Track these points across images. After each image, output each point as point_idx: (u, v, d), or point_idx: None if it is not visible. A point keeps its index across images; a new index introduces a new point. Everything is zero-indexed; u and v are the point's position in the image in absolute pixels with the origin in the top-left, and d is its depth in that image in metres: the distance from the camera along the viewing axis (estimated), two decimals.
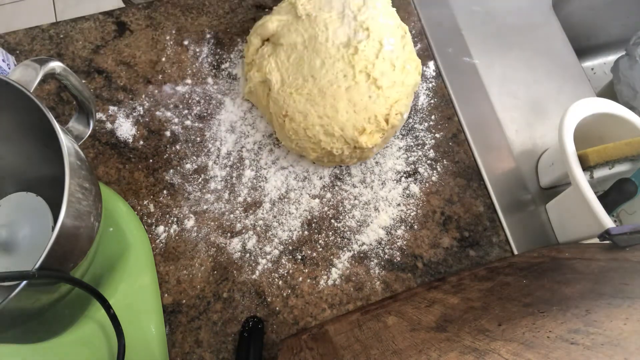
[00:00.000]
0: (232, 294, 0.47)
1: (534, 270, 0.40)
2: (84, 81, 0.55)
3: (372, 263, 0.49)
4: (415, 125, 0.56)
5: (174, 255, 0.48)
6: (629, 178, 0.46)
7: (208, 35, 0.59)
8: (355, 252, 0.49)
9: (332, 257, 0.49)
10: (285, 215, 0.51)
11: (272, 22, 0.51)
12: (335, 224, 0.51)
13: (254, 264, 0.48)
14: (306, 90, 0.47)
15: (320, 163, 0.52)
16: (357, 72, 0.47)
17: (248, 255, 0.49)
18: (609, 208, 0.45)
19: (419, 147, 0.54)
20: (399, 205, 0.52)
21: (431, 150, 0.54)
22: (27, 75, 0.33)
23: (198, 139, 0.53)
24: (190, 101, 0.55)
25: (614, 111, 0.48)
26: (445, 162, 0.54)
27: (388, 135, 0.50)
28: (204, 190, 0.51)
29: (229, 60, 0.57)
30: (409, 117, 0.56)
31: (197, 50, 0.58)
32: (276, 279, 0.48)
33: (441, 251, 0.50)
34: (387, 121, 0.48)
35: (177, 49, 0.58)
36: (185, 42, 0.58)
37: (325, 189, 0.52)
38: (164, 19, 0.59)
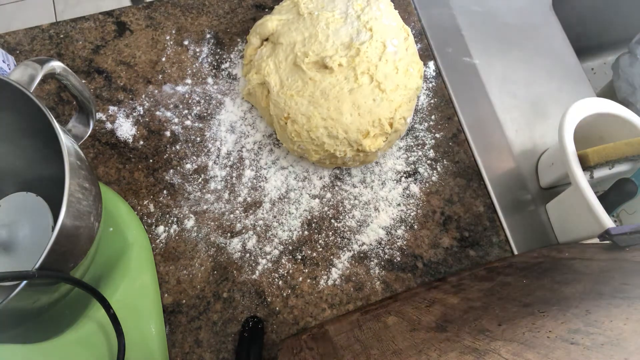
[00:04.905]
0: (232, 294, 0.47)
1: (534, 270, 0.40)
2: (84, 81, 0.55)
3: (372, 263, 0.49)
4: (415, 125, 0.56)
5: (174, 255, 0.48)
6: (629, 178, 0.46)
7: (208, 35, 0.59)
8: (355, 252, 0.49)
9: (332, 257, 0.49)
10: (285, 215, 0.51)
11: (272, 22, 0.51)
12: (335, 224, 0.51)
13: (254, 264, 0.48)
14: (308, 92, 0.47)
15: (322, 165, 0.52)
16: (358, 73, 0.47)
17: (248, 255, 0.49)
18: (609, 208, 0.45)
19: (419, 147, 0.54)
20: (399, 205, 0.52)
21: (431, 150, 0.54)
22: (27, 75, 0.33)
23: (198, 139, 0.53)
24: (190, 101, 0.55)
25: (614, 111, 0.48)
26: (445, 162, 0.54)
27: (392, 139, 0.50)
28: (204, 190, 0.51)
29: (229, 60, 0.57)
30: None
31: (197, 50, 0.58)
32: (276, 279, 0.48)
33: (441, 251, 0.50)
34: (391, 125, 0.47)
35: (177, 49, 0.58)
36: (185, 42, 0.58)
37: (325, 189, 0.52)
38: (164, 19, 0.59)
